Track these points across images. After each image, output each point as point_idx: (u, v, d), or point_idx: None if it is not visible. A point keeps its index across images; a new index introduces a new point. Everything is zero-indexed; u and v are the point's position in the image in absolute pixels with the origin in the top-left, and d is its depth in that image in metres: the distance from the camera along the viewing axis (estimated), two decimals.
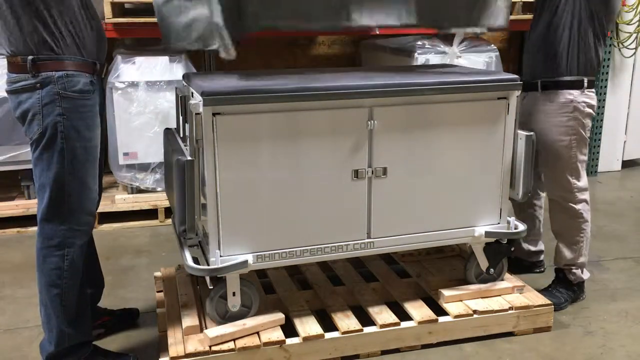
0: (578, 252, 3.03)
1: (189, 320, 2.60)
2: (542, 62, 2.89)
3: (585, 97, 2.88)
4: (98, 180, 2.55)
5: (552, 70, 2.87)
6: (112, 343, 2.75)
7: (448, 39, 4.37)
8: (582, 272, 3.08)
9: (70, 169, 2.29)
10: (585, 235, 3.03)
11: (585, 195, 2.99)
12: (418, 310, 2.74)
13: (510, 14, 2.98)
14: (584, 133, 2.92)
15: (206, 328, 2.55)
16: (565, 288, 3.07)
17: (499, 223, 2.82)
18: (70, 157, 2.28)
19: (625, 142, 5.52)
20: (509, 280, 2.95)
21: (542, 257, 3.42)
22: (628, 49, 5.20)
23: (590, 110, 2.91)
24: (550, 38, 2.85)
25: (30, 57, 2.21)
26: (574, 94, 2.86)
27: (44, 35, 2.20)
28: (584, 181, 2.98)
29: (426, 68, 3.48)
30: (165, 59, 4.07)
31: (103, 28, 2.47)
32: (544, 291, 2.99)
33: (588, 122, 2.93)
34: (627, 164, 5.58)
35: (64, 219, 2.33)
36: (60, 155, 2.27)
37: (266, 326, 2.57)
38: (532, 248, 3.38)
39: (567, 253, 3.03)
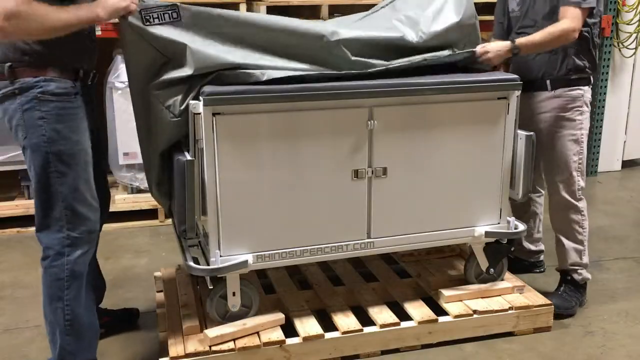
0: (582, 251, 3.03)
1: (189, 320, 2.60)
2: (550, 62, 2.91)
3: (589, 93, 2.98)
4: (101, 185, 2.51)
5: (562, 69, 2.90)
6: (112, 343, 2.75)
7: None
8: (586, 271, 3.08)
9: (57, 173, 2.24)
10: (587, 234, 3.05)
11: (583, 193, 3.03)
12: (418, 310, 2.74)
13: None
14: (587, 128, 3.00)
15: (206, 328, 2.55)
16: (573, 290, 3.04)
17: (499, 223, 2.82)
18: (57, 161, 2.23)
19: (625, 142, 5.51)
20: (509, 280, 2.95)
21: (542, 256, 3.42)
22: (628, 49, 5.19)
23: (590, 107, 3.02)
24: None
25: (7, 65, 2.19)
26: (583, 90, 2.94)
27: (20, 44, 2.17)
28: (584, 178, 3.03)
29: None
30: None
31: (90, 35, 2.39)
32: (553, 295, 2.97)
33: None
34: (627, 164, 5.57)
35: (59, 226, 2.27)
36: (45, 160, 2.22)
37: (266, 326, 2.57)
38: (532, 247, 3.37)
39: (573, 254, 3.02)
